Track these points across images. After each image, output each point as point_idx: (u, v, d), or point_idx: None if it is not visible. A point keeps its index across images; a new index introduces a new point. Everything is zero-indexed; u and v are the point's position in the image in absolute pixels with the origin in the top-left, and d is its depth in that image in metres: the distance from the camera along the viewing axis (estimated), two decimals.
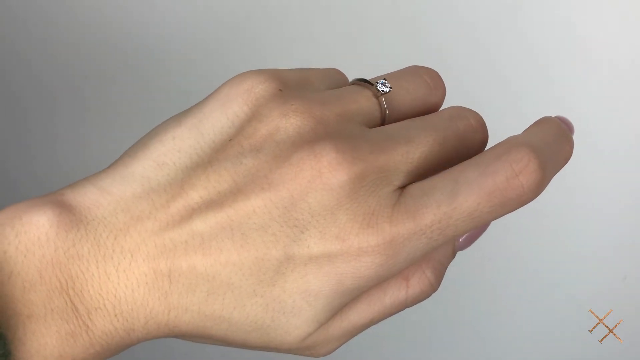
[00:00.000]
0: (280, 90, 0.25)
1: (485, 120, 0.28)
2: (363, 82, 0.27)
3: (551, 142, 0.26)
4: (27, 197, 0.24)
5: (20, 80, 0.59)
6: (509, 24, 0.56)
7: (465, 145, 0.26)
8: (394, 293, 0.26)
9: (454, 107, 0.27)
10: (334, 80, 0.28)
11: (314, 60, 0.55)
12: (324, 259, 0.24)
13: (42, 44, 0.58)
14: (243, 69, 0.60)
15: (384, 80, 0.27)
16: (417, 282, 0.26)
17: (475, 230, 0.27)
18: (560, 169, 0.27)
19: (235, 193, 0.23)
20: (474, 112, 0.27)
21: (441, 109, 0.28)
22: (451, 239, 0.25)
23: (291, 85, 0.26)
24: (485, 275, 0.61)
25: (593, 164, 0.57)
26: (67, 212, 0.23)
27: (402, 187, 0.25)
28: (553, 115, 0.28)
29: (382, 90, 0.27)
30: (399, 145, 0.25)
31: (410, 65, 0.29)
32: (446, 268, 0.27)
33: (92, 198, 0.23)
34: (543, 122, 0.27)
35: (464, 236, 0.27)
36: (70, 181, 0.25)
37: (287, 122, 0.24)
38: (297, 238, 0.23)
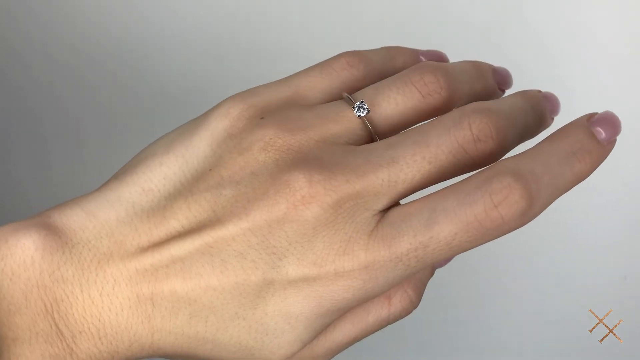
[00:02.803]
0: (262, 118, 0.25)
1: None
2: (349, 100, 0.26)
3: (554, 164, 0.24)
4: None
5: (22, 84, 0.59)
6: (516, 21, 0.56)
7: (467, 158, 0.25)
8: (377, 312, 0.26)
9: (460, 109, 0.25)
10: (338, 78, 0.28)
11: (316, 57, 0.55)
12: (303, 282, 0.24)
13: (42, 47, 0.58)
14: (244, 68, 0.59)
15: (360, 103, 0.26)
16: (399, 301, 0.27)
17: None
18: (569, 188, 0.25)
19: (214, 222, 0.24)
20: (480, 115, 0.24)
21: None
22: (429, 264, 0.24)
23: (275, 110, 0.26)
24: (484, 275, 0.61)
25: None
26: (53, 234, 0.23)
27: (387, 209, 0.24)
28: (603, 111, 0.25)
29: (359, 115, 0.26)
30: (380, 168, 0.24)
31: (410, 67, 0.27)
32: (426, 284, 0.27)
33: (78, 221, 0.24)
34: (557, 136, 0.25)
35: None
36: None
37: (266, 155, 0.25)
38: (275, 265, 0.24)
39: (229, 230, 0.24)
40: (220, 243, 0.24)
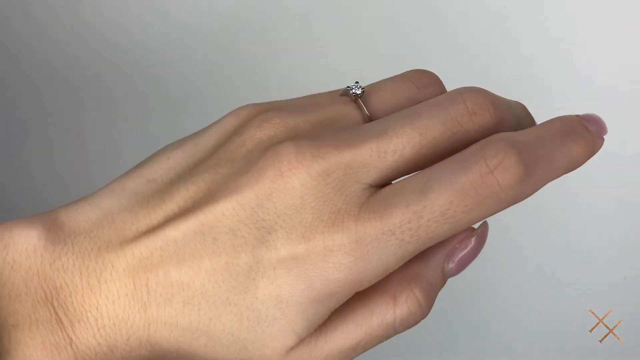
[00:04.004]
0: (267, 111, 0.26)
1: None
2: (343, 90, 0.27)
3: (547, 139, 0.24)
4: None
5: (19, 89, 0.60)
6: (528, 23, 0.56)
7: (461, 132, 0.24)
8: (382, 312, 0.25)
9: (451, 91, 0.25)
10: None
11: (318, 66, 0.56)
12: (292, 261, 0.23)
13: (51, 46, 0.58)
14: (247, 72, 0.59)
15: (356, 83, 0.26)
16: (404, 302, 0.25)
17: (467, 255, 0.26)
18: (564, 170, 0.24)
19: (208, 200, 0.24)
20: (475, 91, 0.24)
21: None
22: (427, 242, 0.23)
23: (280, 106, 0.26)
24: (484, 274, 0.61)
25: (593, 163, 0.57)
26: (57, 227, 0.24)
27: (379, 186, 0.24)
28: (578, 113, 0.25)
29: (355, 93, 0.26)
30: (369, 139, 0.24)
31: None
32: (437, 292, 0.26)
33: (82, 213, 0.24)
34: (550, 120, 0.25)
35: (455, 260, 0.26)
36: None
37: (261, 132, 0.25)
38: (264, 240, 0.23)
39: (220, 205, 0.24)
40: (212, 220, 0.24)
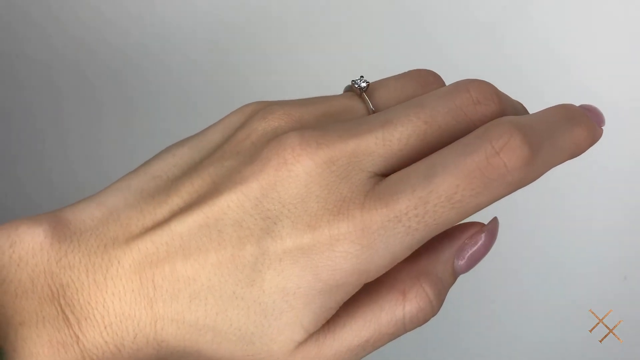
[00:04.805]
0: (271, 105, 0.26)
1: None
2: (348, 85, 0.27)
3: (551, 122, 0.24)
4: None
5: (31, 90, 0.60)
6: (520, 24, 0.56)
7: (465, 121, 0.24)
8: (391, 308, 0.25)
9: (455, 82, 0.25)
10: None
11: (319, 63, 0.56)
12: (298, 251, 0.23)
13: (49, 46, 0.58)
14: (247, 72, 0.59)
15: (361, 77, 0.27)
16: (414, 297, 0.24)
17: (477, 251, 0.26)
18: (568, 154, 0.24)
19: (213, 193, 0.24)
20: (479, 82, 0.25)
21: None
22: (434, 229, 0.23)
23: (285, 101, 0.27)
24: (484, 274, 0.62)
25: (593, 163, 0.57)
26: (63, 225, 0.24)
27: (385, 175, 0.24)
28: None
29: (361, 86, 0.26)
30: (374, 128, 0.24)
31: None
32: (447, 289, 0.25)
33: (88, 211, 0.24)
34: (551, 107, 0.25)
35: (465, 257, 0.26)
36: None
37: (266, 123, 0.25)
38: (270, 230, 0.23)
39: (225, 197, 0.23)
40: (217, 212, 0.23)
